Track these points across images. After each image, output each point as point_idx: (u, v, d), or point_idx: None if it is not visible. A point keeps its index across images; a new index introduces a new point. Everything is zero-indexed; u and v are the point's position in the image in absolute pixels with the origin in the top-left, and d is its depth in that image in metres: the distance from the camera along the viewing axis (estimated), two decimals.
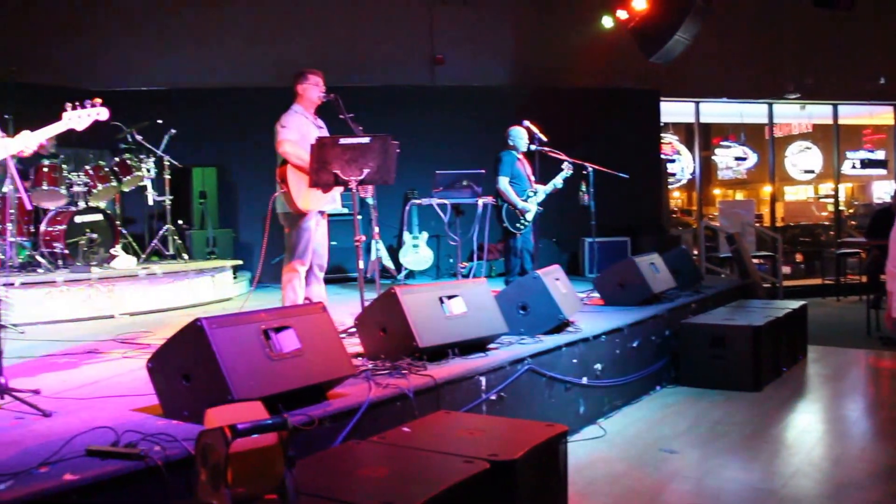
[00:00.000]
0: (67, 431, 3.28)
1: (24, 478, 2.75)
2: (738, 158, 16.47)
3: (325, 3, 11.68)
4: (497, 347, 5.26)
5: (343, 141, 5.54)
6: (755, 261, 12.11)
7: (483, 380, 4.74)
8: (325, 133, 6.44)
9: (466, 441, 3.57)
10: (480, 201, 6.66)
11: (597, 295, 7.57)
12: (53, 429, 3.45)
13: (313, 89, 6.33)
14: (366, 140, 5.58)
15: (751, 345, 6.66)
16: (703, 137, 15.70)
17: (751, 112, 15.56)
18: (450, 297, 5.05)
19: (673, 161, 15.27)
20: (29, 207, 5.08)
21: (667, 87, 12.63)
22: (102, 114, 4.37)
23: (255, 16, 11.48)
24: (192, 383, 3.50)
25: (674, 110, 14.36)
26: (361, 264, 5.70)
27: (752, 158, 16.50)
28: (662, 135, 13.97)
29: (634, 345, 6.45)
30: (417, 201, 6.76)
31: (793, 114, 15.98)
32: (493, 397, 4.79)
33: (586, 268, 10.85)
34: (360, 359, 4.85)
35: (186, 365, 3.51)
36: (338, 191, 6.19)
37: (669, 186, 14.79)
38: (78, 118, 4.31)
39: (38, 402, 3.85)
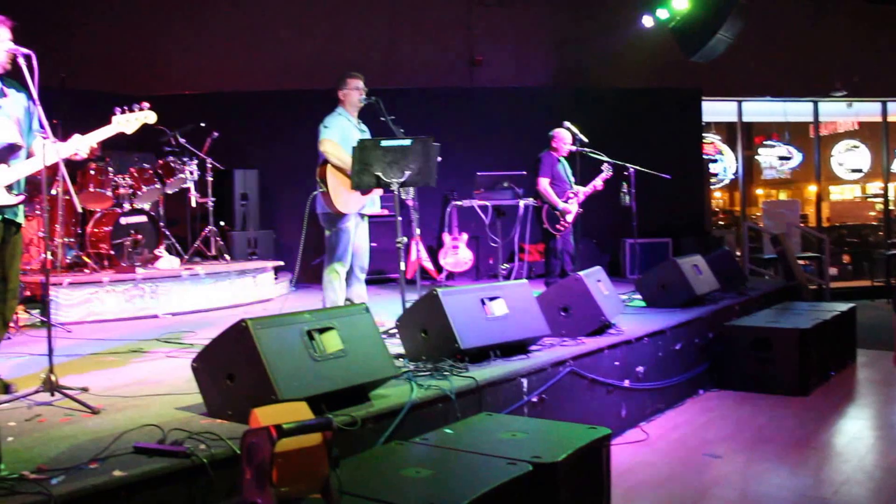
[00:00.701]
0: (115, 429, 3.35)
1: (75, 473, 2.81)
2: (781, 158, 16.23)
3: (365, 6, 11.73)
4: (539, 349, 5.24)
5: (384, 143, 5.55)
6: (800, 262, 11.92)
7: (525, 382, 4.73)
8: (367, 136, 6.46)
9: (509, 443, 3.56)
10: (521, 203, 6.63)
11: (638, 296, 7.50)
12: (102, 426, 3.51)
13: (354, 93, 6.35)
14: (407, 142, 5.59)
15: (797, 348, 6.56)
16: (746, 137, 15.49)
17: (795, 110, 15.30)
18: (491, 299, 5.04)
19: (715, 161, 15.11)
20: (78, 210, 5.19)
21: (709, 87, 12.46)
22: (150, 117, 4.43)
23: (295, 20, 11.56)
24: (236, 383, 3.53)
25: (716, 109, 14.19)
26: (402, 266, 5.71)
27: (797, 158, 16.25)
28: (704, 134, 13.82)
29: (677, 347, 6.38)
30: (458, 203, 6.74)
31: (839, 112, 15.68)
32: (535, 399, 4.77)
33: (627, 269, 10.76)
34: (401, 360, 4.86)
35: (231, 365, 3.55)
36: (377, 192, 6.20)
37: (712, 187, 14.63)
38: (126, 122, 4.38)
39: (86, 400, 3.92)
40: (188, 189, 9.15)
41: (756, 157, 16.24)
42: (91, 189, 8.06)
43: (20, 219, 4.28)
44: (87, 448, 3.10)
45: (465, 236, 10.57)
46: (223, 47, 11.34)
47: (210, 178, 9.34)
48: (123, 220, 8.09)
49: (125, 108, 4.38)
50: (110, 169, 8.30)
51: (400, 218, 5.85)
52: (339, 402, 3.72)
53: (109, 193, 8.20)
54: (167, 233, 8.94)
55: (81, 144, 4.26)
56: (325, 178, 6.11)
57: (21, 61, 4.01)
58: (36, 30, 10.11)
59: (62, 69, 8.48)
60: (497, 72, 11.94)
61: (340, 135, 6.17)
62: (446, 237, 10.69)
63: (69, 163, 8.16)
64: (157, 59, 11.14)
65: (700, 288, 7.20)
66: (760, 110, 15.17)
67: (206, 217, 9.35)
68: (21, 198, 4.17)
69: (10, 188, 4.13)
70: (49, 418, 3.68)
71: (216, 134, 9.34)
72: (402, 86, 11.52)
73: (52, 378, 3.94)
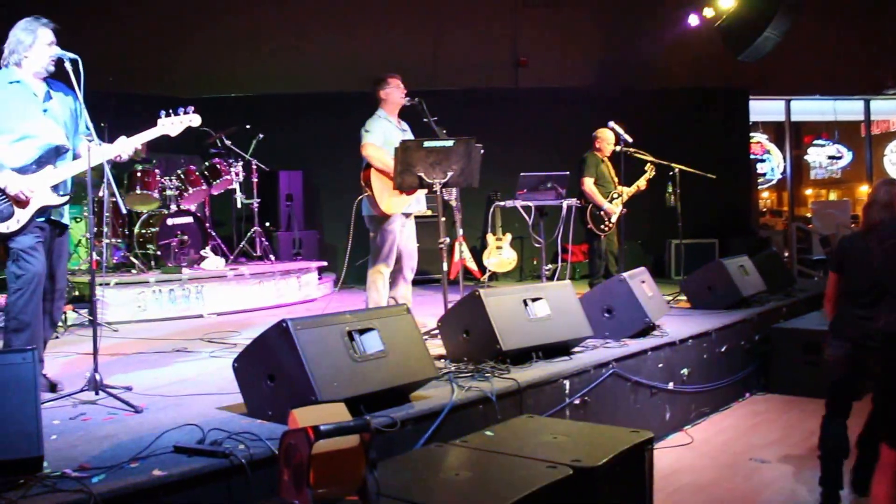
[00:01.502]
0: (157, 428, 3.38)
1: (115, 472, 2.83)
2: (831, 157, 15.91)
3: (409, 8, 11.73)
4: (581, 351, 5.18)
5: (427, 144, 5.54)
6: None
7: (567, 383, 4.68)
8: (409, 137, 6.46)
9: (549, 446, 3.52)
10: (564, 203, 6.57)
11: (683, 298, 7.40)
12: (144, 424, 3.54)
13: (395, 92, 6.35)
14: (449, 143, 5.57)
15: None
16: (795, 136, 15.20)
17: (845, 109, 14.97)
18: (534, 300, 4.99)
19: (763, 161, 14.86)
20: (123, 211, 5.27)
21: (756, 86, 12.25)
22: (195, 120, 4.47)
23: (339, 22, 11.60)
24: (276, 383, 3.54)
25: (763, 108, 13.94)
26: (445, 266, 5.69)
27: (847, 157, 15.93)
28: (752, 134, 13.60)
29: (722, 349, 6.28)
30: (501, 203, 6.70)
31: (891, 110, 15.33)
32: (577, 402, 4.73)
33: (672, 270, 10.62)
34: (442, 361, 4.84)
35: (271, 365, 3.55)
36: (422, 192, 6.20)
37: (759, 187, 14.38)
38: (171, 124, 4.42)
39: (129, 399, 3.97)
40: (234, 190, 9.24)
41: (805, 156, 15.94)
42: (138, 191, 8.17)
43: (66, 220, 4.35)
44: (129, 447, 3.12)
45: (508, 237, 10.52)
46: (269, 50, 11.42)
47: (255, 180, 9.41)
48: (170, 222, 8.19)
49: (170, 110, 4.42)
50: (157, 171, 8.41)
51: (443, 218, 5.85)
52: (379, 404, 3.71)
53: (156, 195, 8.30)
54: (213, 233, 9.03)
55: (126, 146, 4.32)
56: (370, 181, 6.12)
57: (67, 65, 4.07)
58: (83, 33, 10.38)
59: (109, 73, 8.60)
60: (542, 72, 11.87)
61: (383, 138, 6.17)
62: (490, 238, 10.65)
63: (117, 165, 8.34)
64: (203, 62, 11.26)
65: (747, 289, 7.07)
66: (809, 109, 14.86)
67: (252, 218, 9.43)
68: (66, 198, 4.22)
69: (55, 189, 4.19)
70: (93, 417, 3.72)
71: (261, 136, 9.41)
72: (447, 87, 11.52)
73: (97, 377, 3.98)
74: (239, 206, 9.37)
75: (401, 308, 4.12)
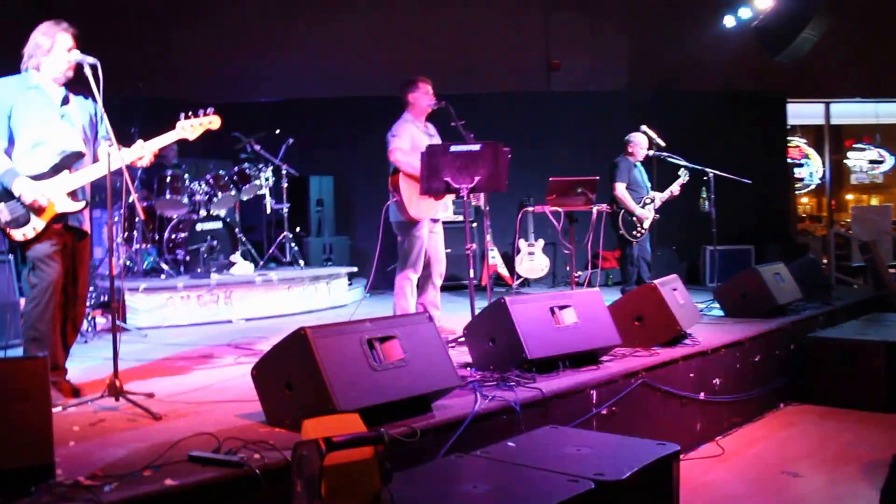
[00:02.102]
0: (175, 435, 3.33)
1: (128, 480, 2.79)
2: (873, 161, 15.57)
3: (440, 12, 11.69)
4: (610, 360, 5.07)
5: (453, 148, 5.48)
6: (892, 271, 11.38)
7: (594, 393, 4.58)
8: (436, 140, 6.41)
9: (573, 458, 3.42)
10: (595, 209, 6.48)
11: (717, 306, 7.25)
12: (162, 432, 3.51)
13: (423, 97, 6.31)
14: (476, 147, 5.50)
15: (885, 361, 6.22)
16: (835, 140, 14.89)
17: (888, 112, 14.63)
18: (561, 308, 4.90)
19: (801, 165, 14.59)
20: (141, 217, 5.25)
21: (794, 88, 12.02)
22: (214, 123, 4.45)
23: (369, 26, 11.60)
24: (294, 392, 3.49)
25: (802, 112, 13.68)
26: (472, 273, 5.61)
27: (889, 161, 15.58)
28: (789, 138, 13.36)
29: (756, 359, 6.13)
30: (530, 208, 6.63)
31: None
32: (605, 412, 4.62)
33: (707, 277, 10.45)
34: (468, 369, 4.79)
35: (290, 373, 3.51)
36: (449, 198, 6.13)
37: (797, 192, 14.12)
38: (191, 127, 4.40)
39: (150, 405, 3.94)
40: (264, 195, 9.24)
41: (845, 161, 15.62)
42: (167, 196, 8.20)
43: (86, 226, 4.33)
44: (144, 455, 3.09)
45: (541, 242, 10.43)
46: (297, 54, 11.44)
47: (285, 185, 9.40)
48: (199, 227, 8.21)
49: (189, 113, 4.39)
50: (186, 176, 8.43)
51: (475, 224, 5.79)
52: (400, 413, 3.64)
53: (185, 200, 8.33)
54: (243, 239, 9.04)
55: (145, 151, 4.30)
56: (398, 186, 6.08)
57: (87, 70, 4.06)
58: (113, 39, 10.48)
59: (139, 78, 8.65)
60: (574, 76, 11.76)
61: (410, 142, 6.13)
62: (522, 243, 10.56)
63: (147, 170, 8.36)
64: (234, 67, 11.30)
65: (782, 297, 6.91)
66: (850, 112, 14.55)
67: (282, 223, 9.43)
68: (82, 204, 4.21)
69: (73, 195, 4.17)
70: (112, 423, 3.70)
71: (291, 140, 9.41)
72: (478, 91, 11.46)
73: (117, 383, 3.96)
74: (269, 211, 9.37)
75: (422, 315, 4.05)
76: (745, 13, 9.29)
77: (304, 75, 11.50)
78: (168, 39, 10.92)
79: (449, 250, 6.44)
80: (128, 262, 8.33)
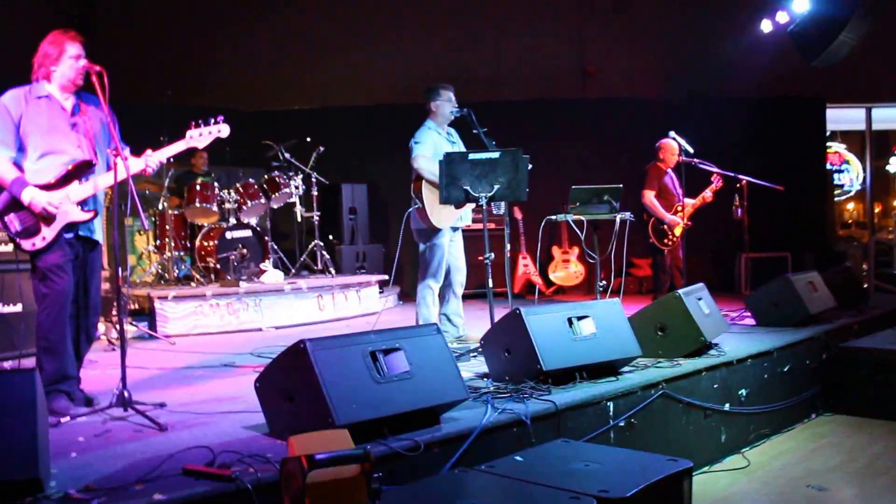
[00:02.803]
0: (177, 447, 3.32)
1: (116, 494, 2.79)
2: None
3: (474, 18, 11.64)
4: (631, 371, 4.97)
5: (472, 156, 5.43)
6: None
7: (611, 405, 4.48)
8: (458, 148, 6.37)
9: (579, 474, 3.34)
10: (618, 217, 6.37)
11: (748, 315, 7.09)
12: (164, 444, 3.50)
13: (446, 104, 6.28)
14: (495, 155, 5.44)
15: None
16: (877, 145, 14.48)
17: None
18: (579, 318, 4.81)
19: (841, 171, 14.24)
20: (146, 228, 5.23)
21: (833, 93, 11.72)
22: (224, 131, 4.44)
23: (402, 32, 11.58)
24: (295, 404, 3.46)
25: (842, 117, 13.32)
26: (490, 282, 5.55)
27: None
28: (828, 144, 13.04)
29: (785, 369, 5.96)
30: (552, 217, 6.54)
31: None
32: (622, 424, 4.52)
33: (742, 285, 10.23)
34: (485, 380, 4.72)
35: (290, 386, 3.48)
36: (469, 206, 6.08)
37: (836, 199, 13.76)
38: (200, 136, 4.40)
39: (160, 416, 3.95)
40: (294, 203, 9.27)
41: (888, 166, 15.21)
42: (197, 204, 8.26)
43: (97, 235, 4.35)
44: (141, 467, 3.07)
45: (576, 250, 10.33)
46: (330, 62, 11.49)
47: (315, 193, 9.42)
48: (229, 235, 8.27)
49: (199, 122, 4.40)
50: (216, 184, 8.49)
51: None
52: (405, 425, 3.59)
53: (215, 208, 8.38)
54: (274, 247, 9.09)
55: (152, 160, 4.30)
56: (421, 193, 6.05)
57: (94, 78, 4.08)
58: (142, 46, 10.65)
59: (167, 85, 8.74)
60: (609, 82, 11.62)
61: (433, 149, 6.10)
62: (556, 250, 10.47)
63: (178, 178, 8.44)
64: (267, 75, 11.38)
65: (815, 306, 6.73)
66: (893, 117, 14.16)
67: (313, 231, 9.45)
68: (92, 214, 4.23)
69: (83, 204, 4.20)
70: (117, 434, 3.70)
71: (321, 148, 9.43)
72: (513, 98, 11.39)
73: (125, 393, 3.97)
74: (299, 219, 9.40)
75: (431, 327, 3.99)
76: (781, 17, 9.07)
77: (338, 84, 11.53)
78: (198, 47, 11.03)
79: (481, 258, 6.31)
80: (160, 270, 8.42)
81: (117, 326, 6.65)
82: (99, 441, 3.58)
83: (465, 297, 6.61)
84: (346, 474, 2.58)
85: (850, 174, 14.40)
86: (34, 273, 4.15)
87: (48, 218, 4.08)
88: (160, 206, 8.39)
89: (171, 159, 8.11)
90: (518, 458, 3.61)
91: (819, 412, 6.38)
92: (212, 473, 2.92)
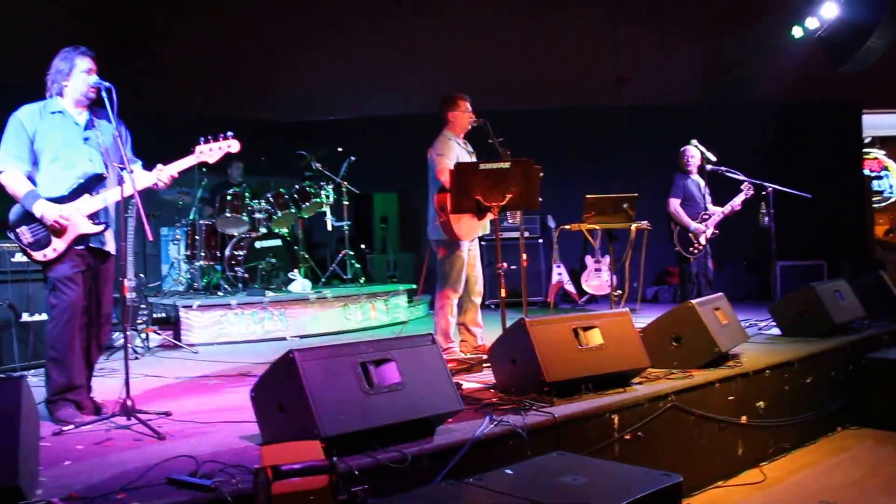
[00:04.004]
0: (170, 456, 3.38)
1: (96, 502, 2.83)
2: None
3: (506, 27, 11.63)
4: (641, 382, 4.91)
5: (483, 166, 5.43)
6: None
7: (615, 418, 4.43)
8: (474, 158, 6.38)
9: (566, 488, 3.31)
10: (633, 226, 6.31)
11: (774, 324, 6.96)
12: (159, 453, 3.55)
13: (463, 116, 6.30)
14: (506, 165, 5.43)
15: None
16: None
17: None
18: (585, 329, 4.78)
19: (880, 178, 13.88)
20: (150, 238, 5.26)
21: (870, 98, 11.44)
22: (233, 146, 4.51)
23: (434, 42, 11.62)
24: (286, 415, 3.49)
25: (882, 123, 13.00)
26: (503, 292, 5.53)
27: None
28: (867, 150, 12.74)
29: (808, 380, 5.84)
30: (566, 227, 6.53)
31: None
32: (628, 437, 4.47)
33: (778, 293, 10.03)
34: (491, 391, 4.72)
35: (281, 396, 3.51)
36: (488, 217, 6.07)
37: (875, 206, 13.40)
38: (210, 151, 4.47)
39: (163, 425, 4.02)
40: (325, 213, 9.35)
41: None
42: (227, 214, 8.39)
43: (109, 247, 4.45)
44: (129, 476, 3.13)
45: (608, 259, 10.24)
46: (363, 72, 11.57)
47: (346, 202, 9.50)
48: (258, 245, 8.38)
49: (209, 137, 4.47)
50: (247, 194, 8.61)
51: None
52: (397, 437, 3.59)
53: (245, 218, 8.50)
54: (305, 256, 9.18)
55: (162, 175, 4.39)
56: (446, 205, 6.04)
57: (103, 94, 4.18)
58: (177, 57, 10.84)
59: (198, 97, 8.88)
60: (643, 89, 11.52)
61: (454, 161, 6.09)
62: (588, 259, 10.40)
63: (212, 189, 8.56)
64: (301, 86, 11.51)
65: (841, 316, 6.58)
66: None
67: (344, 240, 9.53)
68: (102, 226, 4.32)
69: (94, 217, 4.29)
70: (116, 443, 3.78)
71: (353, 158, 9.51)
72: (546, 105, 11.35)
73: (128, 402, 4.05)
74: (329, 228, 9.48)
75: (425, 338, 4.00)
76: (812, 23, 8.91)
77: (369, 93, 11.62)
78: (235, 59, 11.19)
79: (514, 267, 6.30)
80: (188, 278, 8.56)
81: (142, 335, 6.82)
82: (96, 450, 3.66)
83: (496, 307, 6.60)
84: (312, 486, 2.60)
85: (890, 180, 14.03)
86: (45, 283, 4.26)
87: (59, 230, 4.19)
88: (191, 216, 8.53)
89: (205, 169, 8.35)
90: (508, 471, 3.59)
91: (845, 425, 6.23)
92: (192, 483, 2.97)
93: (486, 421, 3.94)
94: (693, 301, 5.45)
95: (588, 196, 6.45)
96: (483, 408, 4.26)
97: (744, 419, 5.25)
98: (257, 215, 8.61)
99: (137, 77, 10.82)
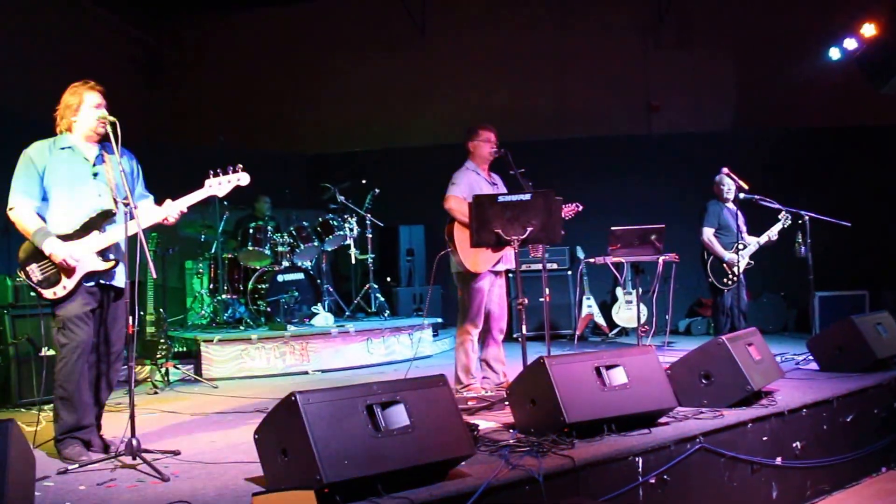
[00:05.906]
0: (173, 498, 3.31)
1: None
2: None
3: (534, 55, 11.53)
4: (668, 423, 4.70)
5: (502, 198, 5.30)
6: None
7: (640, 461, 4.23)
8: (500, 189, 6.25)
9: None
10: (660, 259, 6.13)
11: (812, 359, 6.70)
12: (161, 495, 3.48)
13: (484, 146, 6.18)
14: (526, 197, 5.28)
15: None
16: None
17: None
18: (608, 368, 4.59)
19: None
20: (154, 276, 5.17)
21: None
22: (243, 179, 4.43)
23: (462, 71, 11.57)
24: (288, 459, 3.35)
25: None
26: (524, 328, 5.36)
27: None
28: None
29: (848, 419, 5.57)
30: (590, 260, 6.36)
31: None
32: (653, 481, 4.26)
33: (817, 325, 9.72)
34: (510, 431, 4.54)
35: (283, 439, 3.38)
36: (510, 249, 5.92)
37: None
38: (219, 185, 4.40)
39: (171, 464, 3.91)
40: (349, 246, 9.26)
41: None
42: (250, 247, 8.33)
43: (120, 283, 4.37)
44: None
45: (638, 291, 10.01)
46: (388, 104, 11.55)
47: (369, 235, 9.40)
48: (280, 278, 8.30)
49: (219, 171, 4.39)
50: (269, 227, 8.56)
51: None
52: (406, 482, 3.44)
53: (267, 251, 8.43)
54: (329, 289, 9.08)
55: (171, 210, 4.31)
56: (453, 235, 5.95)
57: (108, 128, 4.12)
58: (201, 91, 10.86)
59: (220, 129, 8.87)
60: (675, 116, 11.33)
61: (468, 190, 5.99)
62: (619, 292, 10.18)
63: (236, 223, 8.52)
64: (325, 118, 11.51)
65: (883, 350, 6.30)
66: None
67: (368, 273, 9.42)
68: (112, 263, 4.25)
69: (103, 254, 4.22)
70: (119, 484, 3.67)
71: (377, 190, 9.43)
72: (575, 135, 11.21)
73: (134, 442, 3.94)
74: (353, 261, 9.39)
75: (437, 380, 3.84)
76: (850, 44, 8.68)
77: (395, 124, 11.58)
78: (259, 92, 11.24)
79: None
80: (211, 312, 8.51)
81: (162, 370, 6.75)
82: (97, 491, 3.56)
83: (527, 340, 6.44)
84: None
85: None
86: (53, 320, 4.19)
87: (68, 269, 4.12)
88: (213, 249, 8.49)
89: (227, 202, 8.30)
90: None
91: (891, 465, 5.94)
92: None
93: (501, 465, 3.78)
94: (724, 336, 5.24)
95: (614, 228, 6.29)
96: (499, 450, 4.09)
97: (779, 460, 5.01)
98: (279, 249, 8.53)
99: (164, 110, 10.93)
